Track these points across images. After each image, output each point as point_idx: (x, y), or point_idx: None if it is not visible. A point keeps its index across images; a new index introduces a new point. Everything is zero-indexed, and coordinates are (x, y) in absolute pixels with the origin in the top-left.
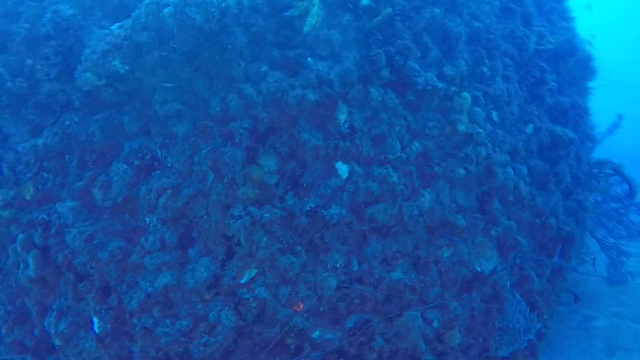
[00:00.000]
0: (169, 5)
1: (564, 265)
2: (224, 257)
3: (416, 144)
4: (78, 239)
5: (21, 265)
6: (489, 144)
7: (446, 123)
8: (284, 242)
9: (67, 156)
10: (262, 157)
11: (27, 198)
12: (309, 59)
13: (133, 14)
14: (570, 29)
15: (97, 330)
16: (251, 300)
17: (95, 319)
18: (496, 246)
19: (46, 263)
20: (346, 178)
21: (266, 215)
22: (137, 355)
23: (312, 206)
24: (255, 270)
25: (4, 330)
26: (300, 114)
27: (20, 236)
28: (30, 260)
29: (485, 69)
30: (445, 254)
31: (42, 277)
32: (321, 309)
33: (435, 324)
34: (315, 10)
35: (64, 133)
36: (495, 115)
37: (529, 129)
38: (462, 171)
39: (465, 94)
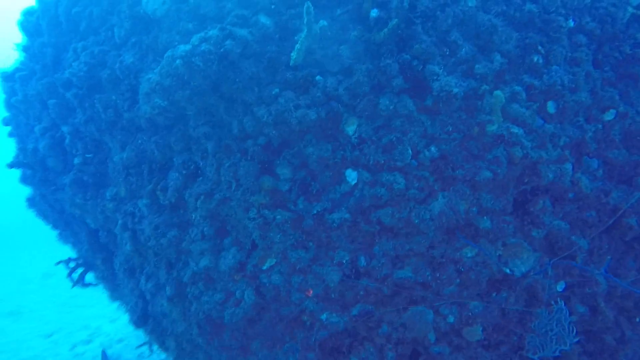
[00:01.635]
0: (180, 57)
1: (608, 277)
2: (250, 248)
3: (432, 148)
4: (149, 227)
5: (123, 242)
6: (526, 143)
7: (474, 124)
8: (294, 239)
9: (142, 165)
10: (278, 167)
11: (122, 195)
12: (318, 76)
13: (159, 65)
14: None
15: (168, 293)
16: (268, 284)
17: (167, 286)
18: (544, 247)
19: (136, 241)
20: (354, 184)
21: (278, 217)
22: (192, 314)
23: (319, 210)
24: (275, 260)
25: (126, 280)
26: (306, 130)
27: (120, 221)
28: (127, 239)
29: (536, 57)
30: (468, 253)
31: (136, 249)
32: (332, 296)
33: (451, 319)
34: (298, 45)
35: (138, 149)
36: (551, 107)
37: (609, 115)
38: (488, 174)
39: (498, 92)
